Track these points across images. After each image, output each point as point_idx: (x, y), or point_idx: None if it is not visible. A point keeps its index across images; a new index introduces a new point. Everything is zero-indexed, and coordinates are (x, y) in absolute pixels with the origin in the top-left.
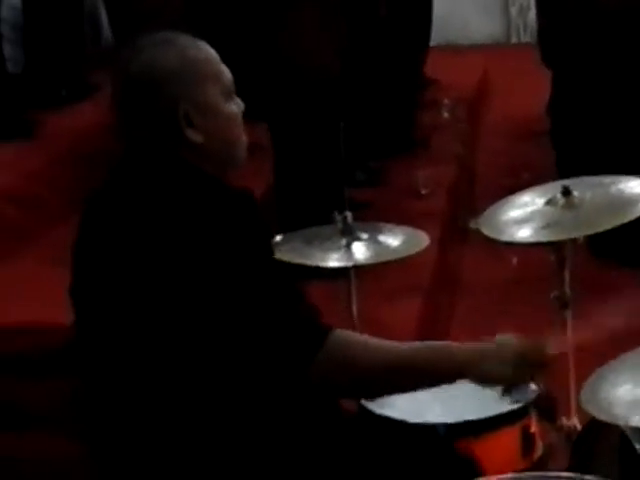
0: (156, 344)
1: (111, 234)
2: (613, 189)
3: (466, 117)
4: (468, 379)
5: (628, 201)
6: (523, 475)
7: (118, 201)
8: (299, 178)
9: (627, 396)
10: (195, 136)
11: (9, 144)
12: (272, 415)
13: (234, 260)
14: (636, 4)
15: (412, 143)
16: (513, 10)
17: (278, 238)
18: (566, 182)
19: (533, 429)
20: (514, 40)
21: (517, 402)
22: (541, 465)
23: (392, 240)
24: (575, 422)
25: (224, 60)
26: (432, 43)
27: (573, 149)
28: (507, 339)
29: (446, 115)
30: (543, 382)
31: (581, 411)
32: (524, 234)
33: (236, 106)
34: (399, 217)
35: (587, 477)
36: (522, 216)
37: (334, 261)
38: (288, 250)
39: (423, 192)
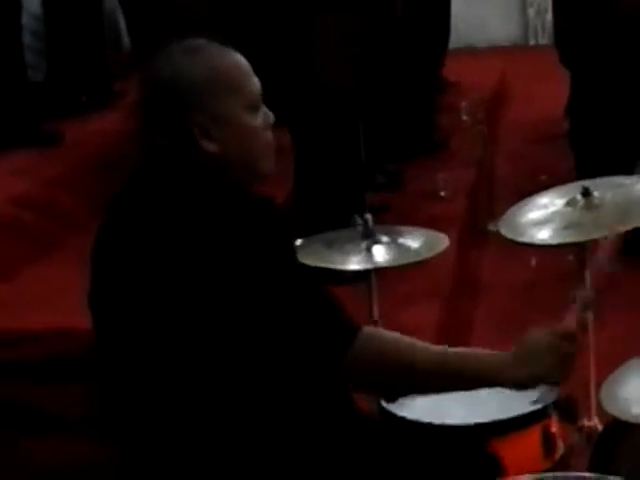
0: (178, 348)
1: (130, 241)
2: (633, 190)
3: (485, 119)
4: (502, 386)
5: None
6: (544, 475)
7: (137, 208)
8: (319, 182)
9: None
10: (211, 147)
11: (29, 149)
12: (295, 416)
13: (255, 265)
14: None
15: (431, 146)
16: (531, 12)
17: (299, 242)
18: (586, 183)
19: (554, 429)
20: (532, 42)
21: (538, 403)
22: (562, 465)
23: (412, 242)
24: (596, 422)
25: None
26: (450, 46)
27: (592, 150)
28: (531, 337)
29: (465, 118)
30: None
31: (602, 411)
32: (544, 235)
33: (262, 118)
34: (418, 220)
35: (609, 477)
36: (542, 217)
37: (355, 264)
38: (309, 254)
39: (442, 195)
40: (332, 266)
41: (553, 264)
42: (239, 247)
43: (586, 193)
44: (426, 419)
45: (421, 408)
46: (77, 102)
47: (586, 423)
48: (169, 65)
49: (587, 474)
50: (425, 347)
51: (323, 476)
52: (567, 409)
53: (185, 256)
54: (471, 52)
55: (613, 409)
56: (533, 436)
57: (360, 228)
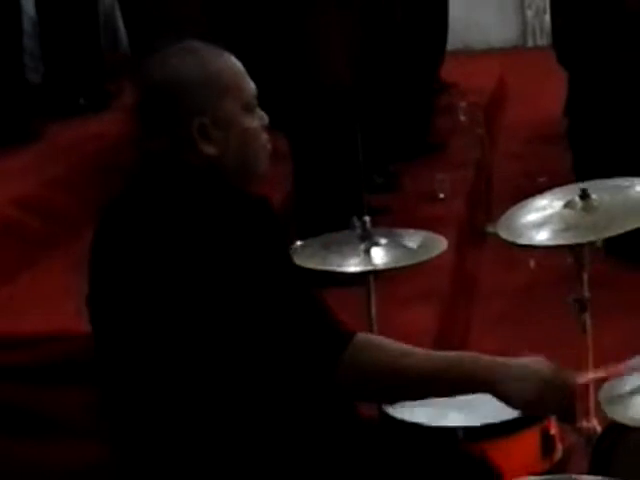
0: (176, 351)
1: (127, 243)
2: (632, 191)
3: (483, 121)
4: (491, 394)
5: None
6: (543, 477)
7: (134, 210)
8: (317, 184)
9: None
10: (209, 149)
11: (28, 152)
12: (292, 420)
13: (252, 267)
14: None
15: (429, 147)
16: (529, 13)
17: (297, 244)
18: (584, 185)
19: (553, 431)
20: (530, 43)
21: None
22: (561, 467)
23: (411, 244)
24: (595, 424)
25: None
26: (448, 47)
27: (590, 151)
28: (536, 362)
29: (463, 119)
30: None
31: (600, 413)
32: (542, 237)
33: (258, 120)
34: (416, 221)
35: (607, 479)
36: (540, 219)
37: (353, 266)
38: (307, 256)
39: (440, 196)
40: (330, 268)
41: (551, 266)
42: (234, 248)
43: (584, 195)
44: (424, 421)
45: (420, 410)
46: (75, 104)
47: (585, 424)
48: (165, 68)
49: (586, 476)
50: (418, 353)
51: (320, 477)
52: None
53: (181, 258)
54: (469, 53)
55: (612, 411)
56: (532, 438)
57: (358, 230)
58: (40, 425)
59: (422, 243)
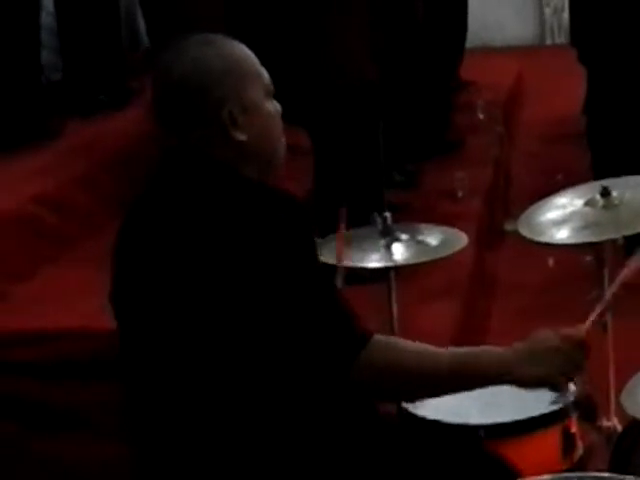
0: (199, 347)
1: (154, 239)
2: None
3: (501, 119)
4: (509, 384)
5: None
6: (563, 475)
7: (160, 207)
8: (338, 180)
9: None
10: (240, 135)
11: (48, 149)
12: (312, 417)
13: (277, 264)
14: None
15: (447, 145)
16: (547, 11)
17: (318, 240)
18: (605, 182)
19: (574, 430)
20: (548, 42)
21: (557, 403)
22: (581, 465)
23: (431, 240)
24: (615, 423)
25: (263, 65)
26: (467, 45)
27: (609, 150)
28: (540, 336)
29: (481, 117)
30: (585, 379)
31: (621, 412)
32: (563, 235)
33: (274, 106)
34: (435, 219)
35: (627, 477)
36: (561, 217)
37: (374, 262)
38: (328, 252)
39: (459, 194)
40: (351, 264)
41: (571, 264)
42: (261, 246)
43: (605, 193)
44: (444, 419)
45: (439, 408)
46: (96, 101)
47: (605, 423)
48: (185, 62)
49: (606, 474)
50: (434, 352)
51: (340, 475)
52: (587, 409)
53: (209, 254)
54: (488, 51)
55: (633, 410)
56: (553, 436)
57: (379, 226)
58: (59, 421)
59: (442, 239)
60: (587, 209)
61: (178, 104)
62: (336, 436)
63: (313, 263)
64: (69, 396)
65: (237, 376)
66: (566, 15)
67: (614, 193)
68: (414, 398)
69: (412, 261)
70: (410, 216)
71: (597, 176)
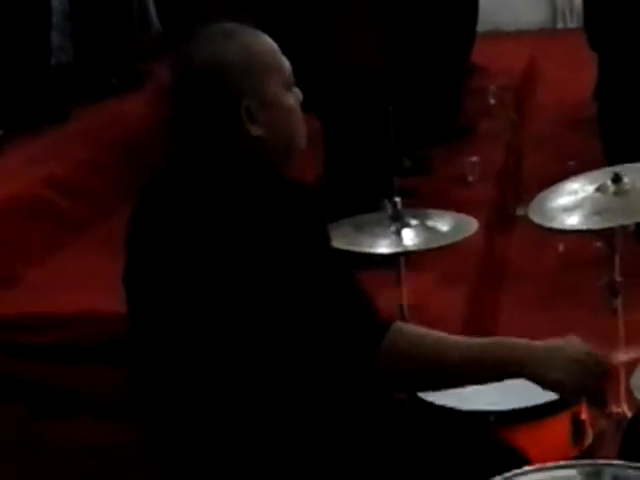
0: (213, 333)
1: (167, 224)
2: None
3: (513, 103)
4: (526, 378)
5: None
6: (573, 462)
7: (175, 191)
8: (349, 166)
9: None
10: (256, 130)
11: (58, 132)
12: (327, 404)
13: (293, 250)
14: None
15: (459, 130)
16: None
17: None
18: (616, 169)
19: (583, 416)
20: (560, 25)
21: None
22: (591, 452)
23: (441, 226)
24: (625, 409)
25: None
26: (478, 29)
27: (621, 135)
28: (568, 342)
29: (493, 102)
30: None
31: (631, 398)
32: (574, 221)
33: (295, 97)
34: (446, 205)
35: (638, 464)
36: (572, 203)
37: (384, 247)
38: (338, 237)
39: (470, 179)
40: (361, 249)
41: (581, 250)
42: (276, 233)
43: (616, 179)
44: (454, 405)
45: (450, 394)
46: (107, 85)
47: (615, 410)
48: (207, 52)
49: (616, 461)
50: (453, 341)
51: (350, 461)
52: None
53: (222, 241)
54: (499, 35)
55: None
56: (563, 423)
57: (389, 211)
58: (69, 404)
59: (453, 225)
60: (598, 195)
61: (196, 95)
62: (348, 421)
63: (328, 252)
64: (79, 380)
65: (251, 363)
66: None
67: (625, 179)
68: (432, 388)
69: (422, 247)
70: (421, 201)
71: (609, 161)
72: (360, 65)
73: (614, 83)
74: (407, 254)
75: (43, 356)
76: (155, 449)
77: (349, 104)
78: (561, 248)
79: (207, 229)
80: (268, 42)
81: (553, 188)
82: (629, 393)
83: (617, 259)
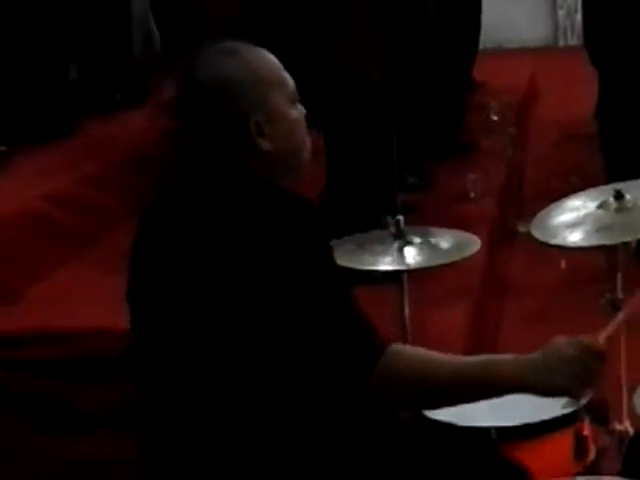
0: (213, 351)
1: (172, 240)
2: None
3: (514, 120)
4: (529, 393)
5: None
6: (576, 478)
7: (179, 208)
8: (351, 182)
9: None
10: (265, 144)
11: (62, 148)
12: (327, 420)
13: (294, 267)
14: None
15: (461, 146)
16: (561, 13)
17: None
18: (618, 185)
19: (586, 433)
20: (562, 43)
21: (570, 406)
22: (593, 469)
23: (444, 244)
24: (627, 426)
25: None
26: (480, 46)
27: (622, 152)
28: (556, 345)
29: (494, 118)
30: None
31: (633, 415)
32: (576, 238)
33: (299, 112)
34: (447, 221)
35: None
36: (574, 220)
37: (386, 265)
38: (341, 254)
39: (472, 195)
40: (363, 267)
41: (583, 266)
42: (278, 250)
43: (618, 196)
44: (456, 421)
45: (452, 410)
46: (111, 100)
47: (617, 427)
48: (211, 69)
49: (618, 477)
50: (450, 361)
51: (354, 477)
52: (599, 412)
53: (226, 258)
54: (501, 52)
55: None
56: (565, 439)
57: (392, 229)
58: (73, 420)
59: (455, 243)
60: (600, 212)
61: (201, 113)
62: (350, 438)
63: (330, 270)
64: (84, 395)
65: (251, 380)
66: (579, 17)
67: (627, 196)
68: (431, 407)
69: (424, 265)
70: (423, 217)
71: (611, 178)
72: (365, 80)
73: (615, 100)
74: (409, 272)
75: (46, 371)
76: (159, 463)
77: (352, 120)
78: (563, 265)
79: (212, 246)
80: (271, 59)
81: (555, 205)
82: (631, 410)
83: (619, 276)
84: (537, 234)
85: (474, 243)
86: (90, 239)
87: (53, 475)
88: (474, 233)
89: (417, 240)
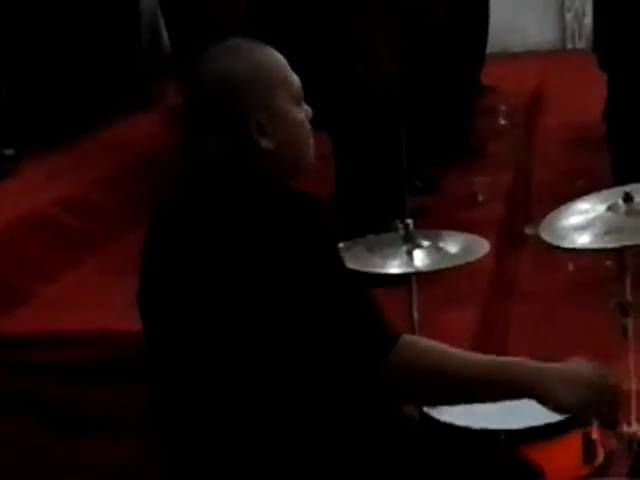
0: (226, 348)
1: (182, 241)
2: None
3: (522, 123)
4: (535, 399)
5: None
6: None
7: (189, 209)
8: (360, 185)
9: None
10: (267, 144)
11: (72, 152)
12: (336, 417)
13: (303, 265)
14: None
15: (469, 150)
16: (568, 16)
17: (340, 245)
18: (627, 188)
19: (594, 436)
20: (569, 46)
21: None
22: (602, 472)
23: (452, 247)
24: (636, 429)
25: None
26: (488, 50)
27: (630, 155)
28: (579, 365)
29: (503, 122)
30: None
31: None
32: (585, 240)
33: (304, 112)
34: (455, 224)
35: None
36: (583, 222)
37: (395, 268)
38: (349, 257)
39: (480, 199)
40: (372, 270)
41: (591, 269)
42: (288, 247)
43: (627, 198)
44: (466, 424)
45: (460, 412)
46: (119, 105)
47: (626, 430)
48: (215, 69)
49: None
50: (463, 356)
51: (360, 477)
52: (607, 415)
53: (236, 257)
54: (509, 56)
55: None
56: (574, 442)
57: (401, 232)
58: (81, 422)
59: (463, 246)
60: (609, 214)
61: (206, 111)
62: (358, 437)
63: (336, 264)
64: (92, 398)
65: (263, 376)
66: (587, 20)
67: (637, 199)
68: (441, 402)
69: (433, 268)
70: (431, 221)
71: (619, 181)
72: (376, 82)
73: (623, 103)
74: (418, 274)
75: (55, 374)
76: (173, 466)
77: (361, 123)
78: (571, 267)
79: (221, 247)
80: (277, 57)
81: (564, 207)
82: None
83: (628, 279)
84: (546, 237)
85: (482, 246)
86: (98, 243)
87: (64, 477)
88: (482, 236)
89: (426, 243)
